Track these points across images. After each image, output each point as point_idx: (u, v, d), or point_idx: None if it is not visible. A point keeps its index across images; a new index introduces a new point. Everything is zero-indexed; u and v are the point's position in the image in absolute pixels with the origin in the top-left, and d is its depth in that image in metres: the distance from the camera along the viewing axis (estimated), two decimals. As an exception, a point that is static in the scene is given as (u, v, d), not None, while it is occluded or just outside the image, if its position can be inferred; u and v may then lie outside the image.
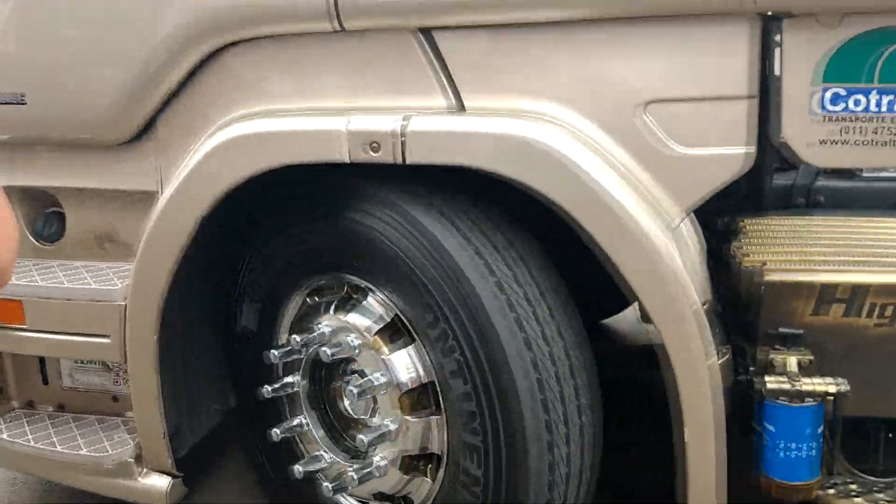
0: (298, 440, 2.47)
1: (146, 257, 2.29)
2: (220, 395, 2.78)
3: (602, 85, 1.95)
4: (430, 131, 1.96)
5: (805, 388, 1.97)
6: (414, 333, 2.14)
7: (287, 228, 2.32)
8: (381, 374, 2.18)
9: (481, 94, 2.02)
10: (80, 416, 2.65)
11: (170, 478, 2.50)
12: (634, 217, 1.87)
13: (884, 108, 1.83)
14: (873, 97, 1.83)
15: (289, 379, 2.43)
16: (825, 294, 2.07)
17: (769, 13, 1.84)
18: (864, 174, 2.49)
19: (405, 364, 2.18)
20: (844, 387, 1.97)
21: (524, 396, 1.95)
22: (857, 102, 1.85)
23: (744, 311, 2.16)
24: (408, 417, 2.17)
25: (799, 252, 2.21)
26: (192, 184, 2.18)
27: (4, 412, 2.68)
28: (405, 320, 2.15)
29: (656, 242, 1.88)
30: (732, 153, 1.91)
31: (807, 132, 1.89)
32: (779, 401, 1.98)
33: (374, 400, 2.29)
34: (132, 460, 2.48)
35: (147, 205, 2.38)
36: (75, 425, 2.61)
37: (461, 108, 2.02)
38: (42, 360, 2.66)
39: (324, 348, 2.22)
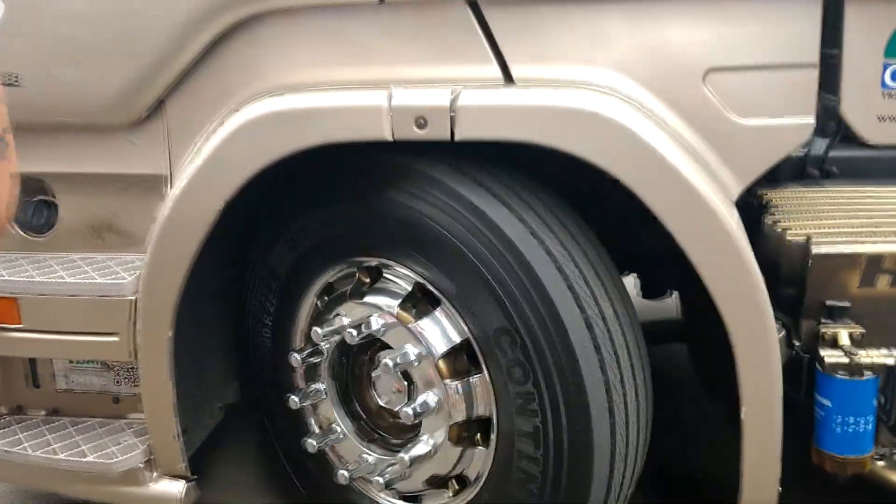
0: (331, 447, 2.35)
1: (161, 247, 2.11)
2: (224, 392, 2.64)
3: (660, 53, 1.87)
4: (483, 105, 1.86)
5: (864, 360, 1.95)
6: (443, 299, 2.05)
7: (304, 213, 2.18)
8: (413, 346, 2.08)
9: (529, 63, 1.92)
10: (78, 421, 2.45)
11: (183, 481, 2.34)
12: (700, 193, 1.80)
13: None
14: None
15: (316, 385, 2.29)
16: (871, 265, 2.05)
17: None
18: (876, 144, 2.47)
19: (436, 329, 2.07)
20: (906, 358, 1.96)
21: (582, 356, 1.88)
22: (921, 77, 1.81)
23: (786, 285, 2.12)
24: (448, 382, 2.06)
25: (840, 224, 2.18)
26: (214, 166, 2.01)
27: (-9, 419, 2.46)
28: (431, 287, 2.06)
29: (722, 218, 1.82)
30: (793, 123, 1.87)
31: (868, 107, 1.86)
32: (837, 374, 1.96)
33: (410, 379, 2.18)
34: (142, 465, 2.31)
35: (153, 189, 2.21)
36: (74, 430, 2.42)
37: (509, 79, 1.92)
38: (32, 362, 2.45)
39: (349, 331, 2.09)
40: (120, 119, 2.14)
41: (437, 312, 2.08)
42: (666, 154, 1.79)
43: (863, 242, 2.07)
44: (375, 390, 2.29)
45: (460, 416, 2.09)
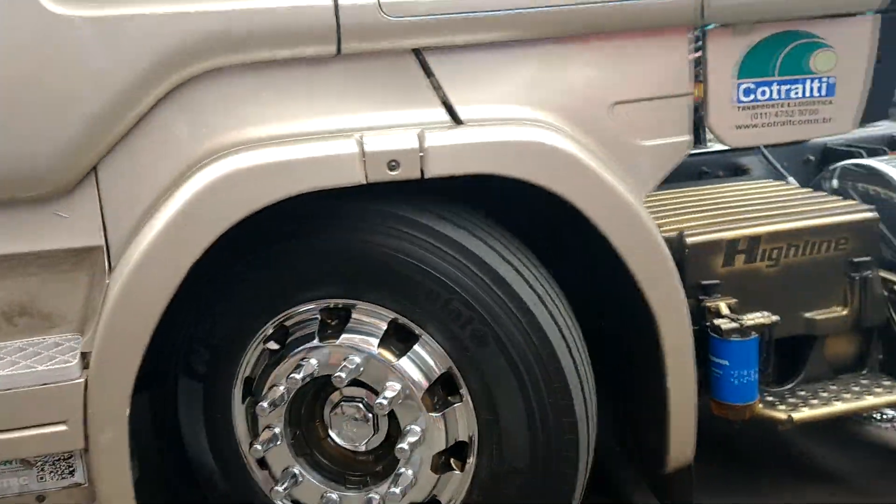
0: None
1: (116, 320, 2.00)
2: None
3: (575, 91, 2.20)
4: (448, 145, 2.05)
5: (749, 323, 2.44)
6: (419, 330, 2.18)
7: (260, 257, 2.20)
8: (395, 381, 2.19)
9: (471, 105, 2.15)
10: (-5, 533, 2.18)
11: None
12: (628, 202, 2.16)
13: (782, 96, 2.35)
14: (774, 88, 2.34)
15: (275, 430, 2.28)
16: (730, 248, 2.57)
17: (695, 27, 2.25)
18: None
19: (416, 363, 2.21)
20: (775, 318, 2.48)
21: (564, 360, 2.15)
22: (762, 93, 2.34)
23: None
24: (432, 414, 2.20)
25: (698, 218, 2.70)
26: (182, 225, 1.96)
27: None
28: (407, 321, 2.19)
29: (646, 221, 2.20)
30: (676, 141, 2.31)
31: (727, 119, 2.35)
32: (732, 337, 2.43)
33: (374, 421, 2.28)
34: (98, 560, 2.14)
35: (82, 263, 2.08)
36: (-4, 544, 2.15)
37: (457, 120, 2.13)
38: (-71, 478, 2.13)
39: (338, 373, 2.15)
40: (46, 191, 1.99)
41: (417, 346, 2.20)
42: (600, 173, 2.11)
43: (721, 231, 2.59)
44: (332, 431, 2.33)
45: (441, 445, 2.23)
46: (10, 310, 2.11)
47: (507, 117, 2.16)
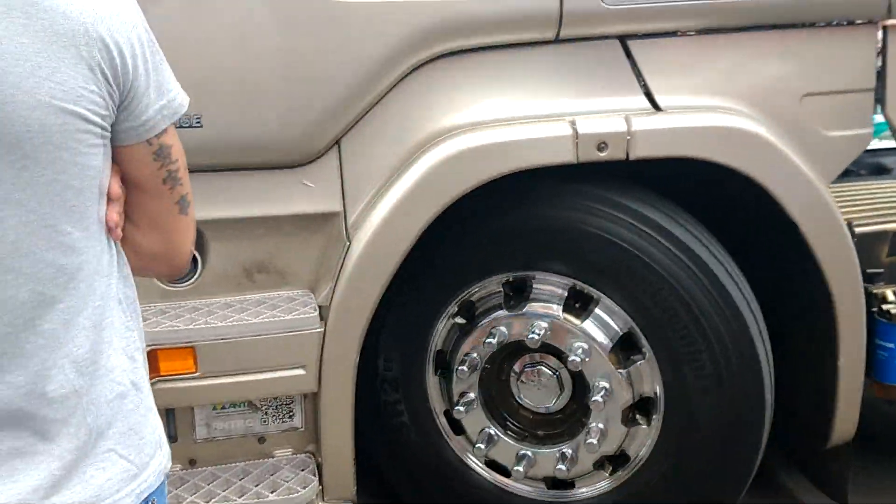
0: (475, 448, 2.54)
1: (355, 278, 2.24)
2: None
3: (768, 82, 2.36)
4: (652, 129, 2.24)
5: (915, 309, 2.56)
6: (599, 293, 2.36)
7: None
8: (582, 342, 2.37)
9: (669, 94, 2.33)
10: (225, 468, 2.44)
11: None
12: (819, 189, 2.31)
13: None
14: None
15: (470, 395, 2.49)
16: (894, 239, 2.69)
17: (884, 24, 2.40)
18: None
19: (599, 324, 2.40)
20: (944, 303, 2.60)
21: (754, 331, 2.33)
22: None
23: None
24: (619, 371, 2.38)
25: (860, 210, 2.83)
26: (417, 195, 2.20)
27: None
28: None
29: (834, 209, 2.34)
30: (859, 133, 2.45)
31: (905, 112, 2.48)
32: (898, 322, 2.55)
33: (559, 381, 2.47)
34: (317, 496, 2.38)
35: (319, 227, 2.32)
36: (228, 478, 2.41)
37: (656, 107, 2.32)
38: (170, 415, 2.40)
39: (531, 335, 2.36)
40: (295, 159, 2.25)
41: (597, 309, 2.39)
42: (796, 161, 2.27)
43: (884, 222, 2.71)
44: (522, 394, 2.53)
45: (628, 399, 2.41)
46: (251, 266, 2.37)
47: (702, 105, 2.34)
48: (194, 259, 2.37)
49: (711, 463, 2.39)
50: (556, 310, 2.42)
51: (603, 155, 2.23)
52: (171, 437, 2.41)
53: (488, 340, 2.44)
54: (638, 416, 2.44)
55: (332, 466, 2.39)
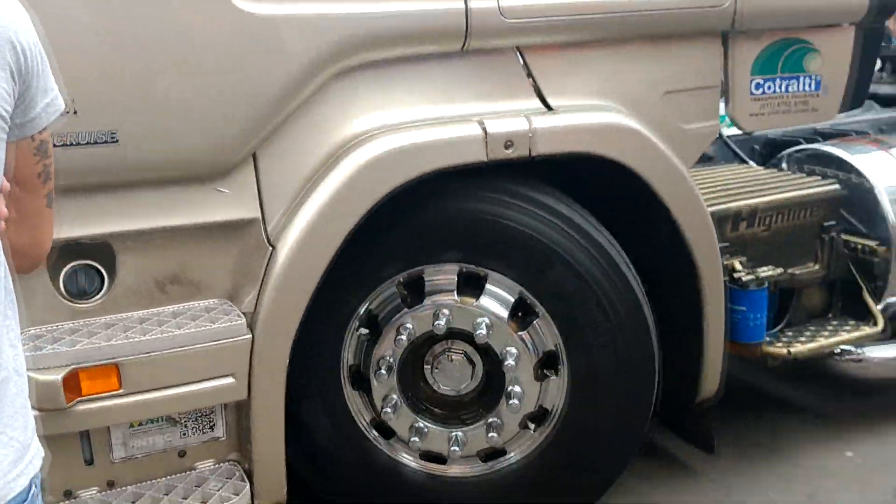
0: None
1: (284, 282, 2.27)
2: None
3: (637, 81, 2.66)
4: (553, 126, 2.46)
5: (764, 275, 2.99)
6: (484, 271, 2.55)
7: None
8: (483, 317, 2.55)
9: (557, 96, 2.56)
10: (146, 486, 2.38)
11: (282, 507, 2.47)
12: (686, 177, 2.64)
13: (783, 90, 2.91)
14: (778, 83, 2.90)
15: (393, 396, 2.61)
16: (736, 216, 3.12)
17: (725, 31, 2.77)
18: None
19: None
20: (780, 271, 3.04)
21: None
22: (769, 87, 2.89)
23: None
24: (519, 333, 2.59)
25: (710, 192, 3.23)
26: (342, 198, 2.26)
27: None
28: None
29: (698, 193, 2.69)
30: (707, 125, 2.82)
31: (744, 108, 2.89)
32: (750, 287, 2.96)
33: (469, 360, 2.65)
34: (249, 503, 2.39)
35: (234, 234, 2.32)
36: (153, 495, 2.35)
37: (548, 107, 2.54)
38: (85, 437, 2.31)
39: (436, 323, 2.52)
40: (210, 172, 2.24)
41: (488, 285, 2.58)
42: (670, 155, 2.58)
43: (725, 203, 3.13)
44: (437, 382, 2.67)
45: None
46: (163, 278, 2.32)
47: (586, 104, 2.59)
48: (100, 274, 2.29)
49: (616, 410, 2.63)
50: (452, 295, 2.57)
51: (509, 152, 2.41)
52: (87, 461, 2.32)
53: (399, 338, 2.56)
54: (546, 371, 2.62)
55: (263, 471, 2.40)
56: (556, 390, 2.62)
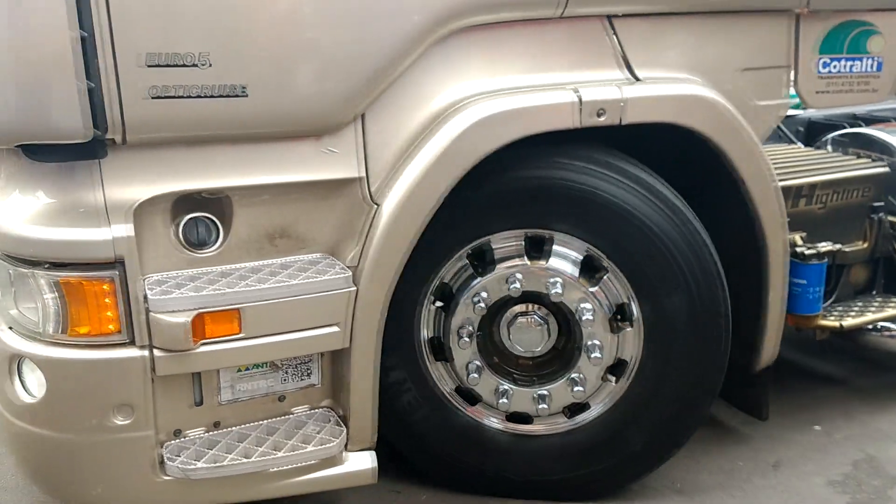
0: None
1: (387, 238, 2.40)
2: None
3: (717, 57, 2.79)
4: (643, 97, 2.58)
5: (824, 250, 3.12)
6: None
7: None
8: (555, 278, 2.68)
9: (645, 68, 2.68)
10: (249, 428, 2.51)
11: (371, 451, 2.60)
12: (762, 152, 2.77)
13: (847, 70, 3.03)
14: (843, 63, 3.03)
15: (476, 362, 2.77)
16: (796, 193, 3.25)
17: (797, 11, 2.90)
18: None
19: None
20: (838, 246, 3.18)
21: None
22: (834, 66, 3.02)
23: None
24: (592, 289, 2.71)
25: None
26: (444, 159, 2.38)
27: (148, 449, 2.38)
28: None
29: (772, 168, 2.81)
30: (779, 103, 2.94)
31: (811, 86, 3.01)
32: (811, 261, 3.10)
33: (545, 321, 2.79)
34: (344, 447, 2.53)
35: (338, 192, 2.44)
36: (258, 436, 2.49)
37: (636, 78, 2.66)
38: (196, 379, 2.44)
39: (513, 286, 2.67)
40: (325, 128, 2.35)
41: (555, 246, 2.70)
42: (742, 121, 2.70)
43: (787, 180, 3.26)
44: (515, 344, 2.80)
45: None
46: (273, 231, 2.44)
47: (671, 77, 2.71)
48: (215, 225, 2.41)
49: (690, 362, 2.73)
50: (523, 259, 2.70)
51: (601, 120, 2.53)
52: (197, 402, 2.45)
53: (478, 305, 2.69)
54: (620, 323, 2.74)
55: (357, 417, 2.53)
56: (631, 341, 2.73)
